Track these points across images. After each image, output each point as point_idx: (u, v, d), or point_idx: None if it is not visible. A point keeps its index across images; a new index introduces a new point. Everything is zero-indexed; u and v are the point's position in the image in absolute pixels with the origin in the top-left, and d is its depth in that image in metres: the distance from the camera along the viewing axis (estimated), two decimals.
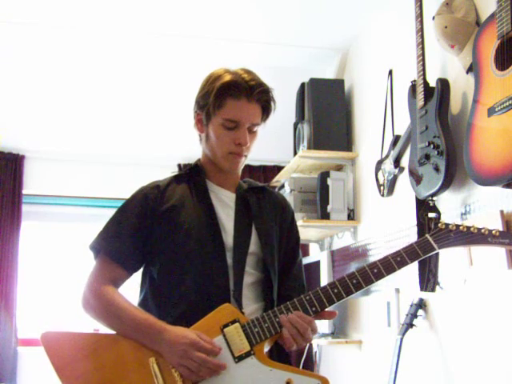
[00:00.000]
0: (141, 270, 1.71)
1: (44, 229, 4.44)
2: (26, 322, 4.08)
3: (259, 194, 1.77)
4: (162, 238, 1.63)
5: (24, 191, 4.10)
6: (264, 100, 1.65)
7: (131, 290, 1.77)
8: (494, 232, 1.55)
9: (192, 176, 1.73)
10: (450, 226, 1.55)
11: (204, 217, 1.64)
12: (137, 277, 1.72)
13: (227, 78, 1.61)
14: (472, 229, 1.55)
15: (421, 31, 2.46)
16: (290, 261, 1.77)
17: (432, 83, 2.42)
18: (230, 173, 1.71)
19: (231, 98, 1.61)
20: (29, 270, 4.21)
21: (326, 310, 1.56)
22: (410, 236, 2.73)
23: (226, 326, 1.50)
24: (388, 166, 3.00)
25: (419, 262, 2.44)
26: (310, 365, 3.88)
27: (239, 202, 1.71)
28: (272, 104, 1.68)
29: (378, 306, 3.10)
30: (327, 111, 3.57)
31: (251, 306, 1.61)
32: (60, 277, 4.27)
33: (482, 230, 1.55)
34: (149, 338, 1.49)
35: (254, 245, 1.66)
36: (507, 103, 1.88)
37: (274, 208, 1.77)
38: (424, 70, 2.43)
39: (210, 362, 1.43)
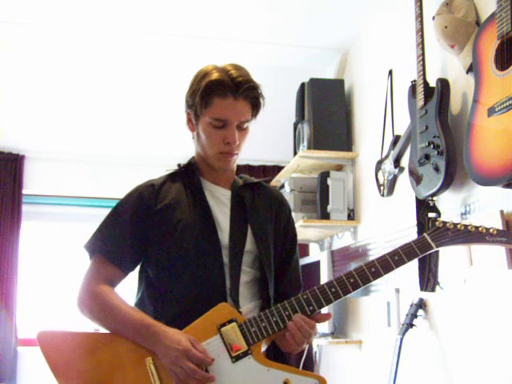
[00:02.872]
0: (138, 269, 1.70)
1: (44, 229, 4.44)
2: (26, 322, 4.08)
3: (255, 190, 1.76)
4: (157, 237, 1.62)
5: (24, 191, 4.10)
6: (252, 96, 1.62)
7: (129, 289, 1.77)
8: (491, 230, 1.55)
9: (187, 174, 1.72)
10: (448, 225, 1.55)
11: (199, 215, 1.63)
12: (135, 276, 1.72)
13: (213, 76, 1.59)
14: (469, 227, 1.55)
15: (421, 31, 2.45)
16: (288, 256, 1.76)
17: (432, 83, 2.41)
18: (223, 171, 1.70)
19: (217, 97, 1.58)
20: (29, 270, 4.21)
21: (322, 312, 1.55)
22: (410, 236, 2.73)
23: (223, 325, 1.49)
24: (388, 166, 3.00)
25: (419, 262, 2.45)
26: (310, 365, 3.88)
27: (234, 199, 1.70)
28: (261, 100, 1.65)
29: (378, 305, 3.10)
30: (327, 111, 3.57)
31: (248, 304, 1.61)
32: (60, 277, 4.27)
33: (480, 229, 1.55)
34: (144, 339, 1.49)
35: (249, 242, 1.65)
36: (507, 103, 1.88)
37: (269, 204, 1.76)
38: (424, 70, 2.43)
39: (199, 374, 1.42)
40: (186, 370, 1.41)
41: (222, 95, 1.58)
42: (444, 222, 1.55)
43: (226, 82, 1.58)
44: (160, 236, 1.62)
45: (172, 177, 1.72)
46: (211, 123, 1.61)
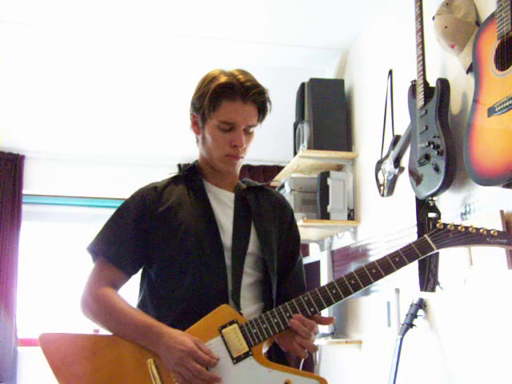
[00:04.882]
0: (140, 271, 1.70)
1: (44, 229, 4.44)
2: (26, 322, 4.08)
3: (258, 194, 1.76)
4: (159, 239, 1.62)
5: (24, 191, 4.10)
6: (260, 101, 1.63)
7: (131, 291, 1.77)
8: (492, 232, 1.55)
9: (190, 177, 1.72)
10: (449, 226, 1.55)
11: (202, 217, 1.64)
12: (137, 278, 1.72)
13: (222, 79, 1.60)
14: (470, 229, 1.55)
15: (421, 31, 2.46)
16: (291, 260, 1.76)
17: (432, 83, 2.41)
18: (227, 174, 1.70)
19: (226, 100, 1.59)
20: (29, 270, 4.21)
21: (324, 316, 1.56)
22: (410, 236, 2.73)
23: (224, 327, 1.49)
24: (388, 166, 3.00)
25: (419, 262, 2.45)
26: (309, 365, 3.88)
27: (238, 201, 1.70)
28: (268, 105, 1.66)
29: (378, 306, 3.10)
30: (327, 111, 3.57)
31: (250, 306, 1.61)
32: (60, 277, 4.27)
33: (481, 230, 1.55)
34: (147, 340, 1.49)
35: (252, 245, 1.65)
36: (507, 103, 1.88)
37: (273, 207, 1.76)
38: (424, 70, 2.43)
39: (205, 374, 1.42)
40: (191, 371, 1.41)
41: (231, 99, 1.59)
42: (445, 224, 1.56)
43: (236, 85, 1.59)
44: (162, 238, 1.62)
45: (175, 179, 1.73)
46: (219, 126, 1.61)
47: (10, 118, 4.01)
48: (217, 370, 1.45)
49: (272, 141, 3.84)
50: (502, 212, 2.05)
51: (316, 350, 1.54)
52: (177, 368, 1.43)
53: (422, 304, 2.60)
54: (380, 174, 3.09)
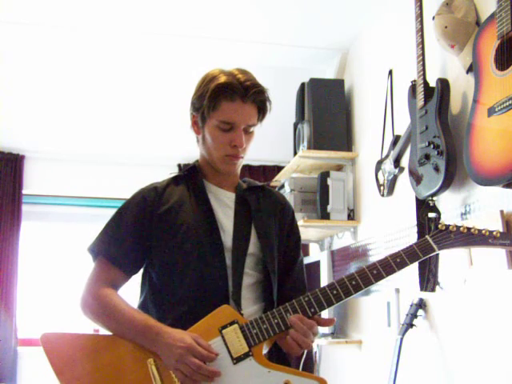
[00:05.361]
0: (141, 271, 1.70)
1: (44, 229, 4.44)
2: (26, 322, 4.08)
3: (259, 194, 1.76)
4: (160, 239, 1.62)
5: (24, 191, 4.10)
6: (259, 101, 1.63)
7: (131, 291, 1.77)
8: (494, 233, 1.54)
9: (190, 177, 1.72)
10: (451, 227, 1.55)
11: (202, 217, 1.64)
12: (138, 278, 1.72)
13: (222, 79, 1.60)
14: (472, 230, 1.55)
15: (421, 31, 2.46)
16: (291, 260, 1.76)
17: (432, 83, 2.41)
18: (227, 174, 1.70)
19: (226, 100, 1.59)
20: (29, 270, 4.21)
21: (325, 317, 1.56)
22: (410, 236, 2.73)
23: (225, 327, 1.49)
24: (388, 166, 3.00)
25: (419, 262, 2.44)
26: (309, 365, 3.88)
27: (239, 201, 1.70)
28: (268, 104, 1.66)
29: (378, 306, 3.10)
30: (327, 111, 3.57)
31: (250, 307, 1.61)
32: (60, 277, 4.27)
33: (483, 231, 1.54)
34: (147, 340, 1.49)
35: (253, 245, 1.65)
36: (507, 103, 1.88)
37: (273, 207, 1.76)
38: (424, 70, 2.43)
39: (205, 369, 1.42)
40: (191, 366, 1.41)
41: (231, 98, 1.59)
42: (447, 225, 1.55)
43: (235, 85, 1.59)
44: (163, 238, 1.62)
45: (175, 180, 1.72)
46: (218, 126, 1.61)
47: (10, 118, 4.01)
48: None
49: (272, 141, 3.85)
50: (502, 212, 2.05)
51: (309, 348, 1.54)
52: (177, 365, 1.43)
53: (422, 304, 2.60)
54: (380, 173, 3.09)
